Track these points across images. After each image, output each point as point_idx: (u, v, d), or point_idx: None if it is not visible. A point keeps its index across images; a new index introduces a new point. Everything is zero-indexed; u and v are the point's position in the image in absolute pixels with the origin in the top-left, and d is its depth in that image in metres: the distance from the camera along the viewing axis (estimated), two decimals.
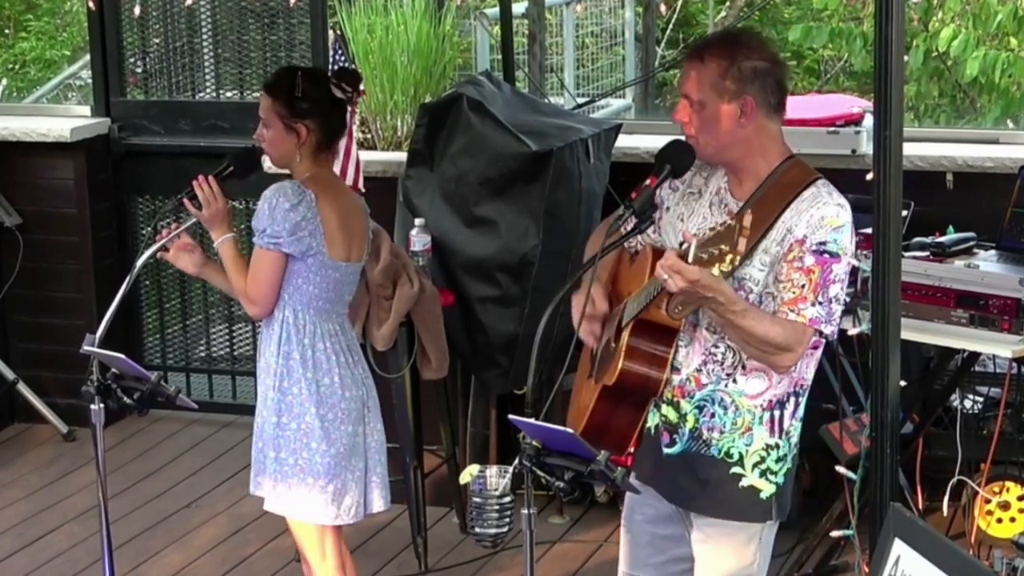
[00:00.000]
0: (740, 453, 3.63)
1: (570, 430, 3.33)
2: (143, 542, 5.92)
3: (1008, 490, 5.41)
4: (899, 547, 2.72)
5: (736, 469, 3.63)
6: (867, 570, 4.34)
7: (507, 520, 3.91)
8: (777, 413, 3.63)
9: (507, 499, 3.86)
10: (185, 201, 4.40)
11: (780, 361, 3.51)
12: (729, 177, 3.67)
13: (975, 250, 5.06)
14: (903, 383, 3.80)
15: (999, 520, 5.42)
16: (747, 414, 3.61)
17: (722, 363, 3.61)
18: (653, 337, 3.60)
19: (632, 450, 3.76)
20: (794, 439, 3.68)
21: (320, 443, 4.37)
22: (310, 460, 4.37)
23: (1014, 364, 5.14)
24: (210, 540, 5.96)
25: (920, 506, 5.28)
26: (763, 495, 3.64)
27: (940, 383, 5.40)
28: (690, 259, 3.26)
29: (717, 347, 3.61)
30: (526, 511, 3.44)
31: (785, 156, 3.63)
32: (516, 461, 3.40)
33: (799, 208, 3.53)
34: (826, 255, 3.49)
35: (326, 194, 4.35)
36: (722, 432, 3.63)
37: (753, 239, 3.48)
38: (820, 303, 3.49)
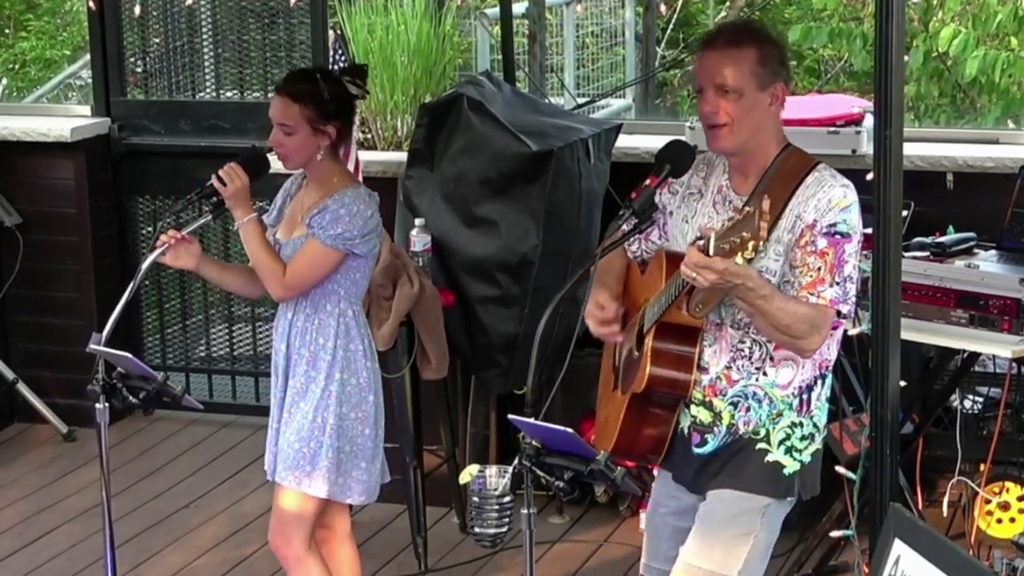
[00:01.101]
0: (767, 430, 3.67)
1: (569, 430, 3.32)
2: (143, 542, 5.92)
3: (1008, 490, 5.41)
4: (899, 547, 2.72)
5: (762, 445, 3.67)
6: (867, 570, 4.34)
7: (507, 520, 3.92)
8: (806, 396, 3.68)
9: (507, 499, 3.87)
10: (214, 180, 4.40)
11: (807, 344, 3.55)
12: (732, 172, 3.69)
13: (975, 250, 5.06)
14: (903, 383, 3.80)
15: (999, 520, 5.42)
16: (781, 404, 3.66)
17: (750, 357, 3.64)
18: (676, 339, 3.62)
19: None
20: (819, 419, 3.71)
21: (373, 428, 4.52)
22: (363, 445, 4.51)
23: (1014, 364, 5.14)
24: (210, 540, 5.95)
25: (920, 506, 5.28)
26: (786, 471, 3.68)
27: (940, 383, 5.40)
28: (711, 252, 3.29)
29: (744, 342, 3.63)
30: (526, 511, 3.44)
31: (783, 144, 3.67)
32: (516, 461, 3.40)
33: (805, 194, 3.56)
34: (837, 236, 3.53)
35: None
36: (757, 423, 3.67)
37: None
38: (837, 283, 3.53)
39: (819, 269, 3.52)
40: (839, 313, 3.57)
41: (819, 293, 3.52)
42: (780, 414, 3.66)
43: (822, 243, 3.52)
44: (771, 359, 3.63)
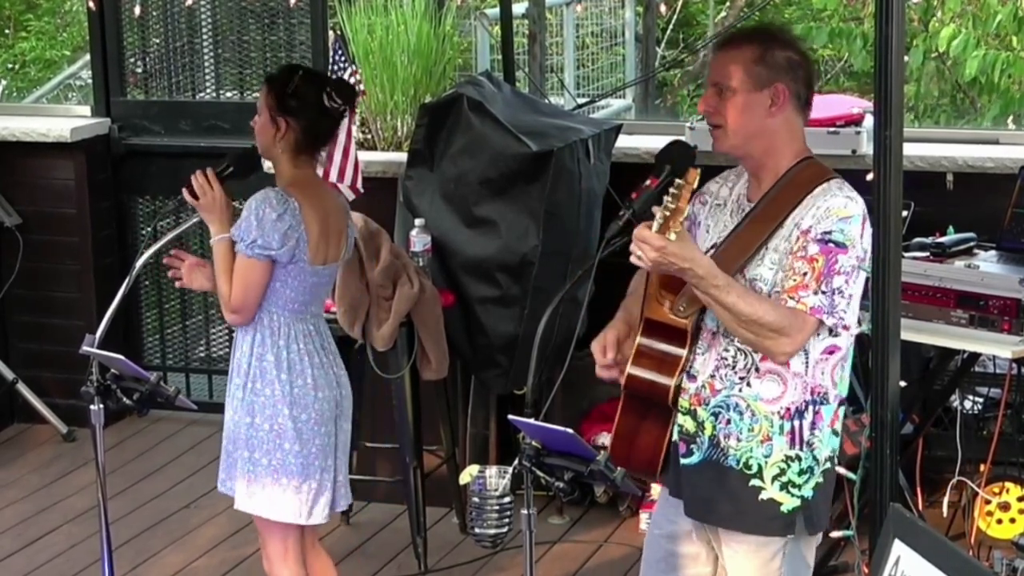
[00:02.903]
0: (759, 464, 3.56)
1: (569, 430, 3.32)
2: (143, 542, 5.92)
3: (1008, 491, 5.41)
4: (899, 548, 2.72)
5: (755, 482, 3.56)
6: (867, 570, 4.34)
7: (507, 520, 3.92)
8: (797, 423, 3.55)
9: (507, 499, 3.87)
10: (184, 191, 4.38)
11: (775, 346, 3.44)
12: (750, 179, 3.65)
13: (975, 250, 5.06)
14: (903, 383, 3.79)
15: (999, 521, 5.42)
16: (764, 421, 3.54)
17: (734, 367, 3.55)
18: (663, 339, 3.57)
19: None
20: (820, 452, 3.59)
21: (293, 444, 4.36)
22: (283, 460, 4.37)
23: (1014, 365, 5.14)
24: (210, 540, 5.95)
25: (920, 506, 5.28)
26: (784, 508, 3.57)
27: (940, 383, 5.40)
28: (654, 228, 3.29)
29: (728, 351, 3.55)
30: (526, 511, 3.43)
31: (802, 156, 3.60)
32: (516, 461, 3.39)
33: (809, 204, 3.51)
34: (831, 244, 3.44)
35: (308, 199, 4.34)
36: (739, 439, 3.56)
37: (758, 235, 3.51)
38: (823, 292, 3.43)
39: (804, 275, 3.44)
40: (831, 331, 3.48)
41: (799, 298, 3.42)
42: (767, 439, 3.54)
43: (813, 249, 3.44)
44: (756, 370, 3.53)
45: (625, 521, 5.92)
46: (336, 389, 4.46)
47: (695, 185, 3.27)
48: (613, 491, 5.87)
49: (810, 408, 3.57)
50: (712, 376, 3.58)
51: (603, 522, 5.93)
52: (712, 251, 3.57)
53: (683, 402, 3.61)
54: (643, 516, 5.80)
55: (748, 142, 3.57)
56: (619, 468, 3.34)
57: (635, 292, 3.75)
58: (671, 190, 3.27)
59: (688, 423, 3.62)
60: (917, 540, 2.69)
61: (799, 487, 3.58)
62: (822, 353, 3.54)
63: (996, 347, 4.78)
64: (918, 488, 5.30)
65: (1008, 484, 5.41)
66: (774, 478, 3.56)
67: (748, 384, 3.55)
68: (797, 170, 3.58)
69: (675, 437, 3.65)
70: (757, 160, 3.60)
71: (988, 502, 5.38)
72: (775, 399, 3.55)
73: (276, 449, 4.36)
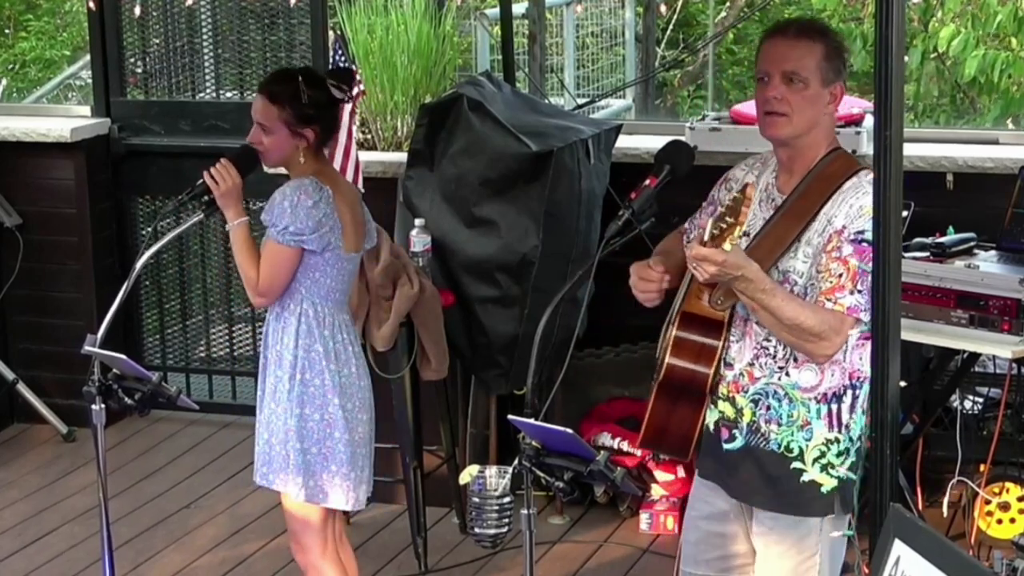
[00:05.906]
0: (800, 448, 3.64)
1: (569, 430, 3.33)
2: (143, 542, 5.92)
3: (1008, 491, 5.41)
4: (899, 548, 2.72)
5: (797, 464, 3.64)
6: (867, 570, 4.34)
7: (507, 520, 3.91)
8: (834, 407, 3.63)
9: (507, 499, 3.86)
10: (205, 174, 4.38)
11: (816, 349, 3.52)
12: (780, 169, 3.70)
13: (975, 250, 5.07)
14: (903, 383, 3.79)
15: (999, 521, 5.42)
16: (802, 407, 3.62)
17: (774, 356, 3.62)
18: (699, 330, 3.64)
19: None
20: (856, 432, 3.66)
21: (343, 433, 4.43)
22: (333, 449, 4.43)
23: (1014, 365, 5.14)
24: (210, 540, 5.95)
25: (920, 506, 5.28)
26: (824, 489, 3.65)
27: (940, 383, 5.40)
28: (706, 237, 3.35)
29: (769, 340, 3.62)
30: (526, 511, 3.44)
31: (832, 147, 3.67)
32: (516, 461, 3.40)
33: (839, 199, 3.57)
34: (864, 243, 3.50)
35: (337, 189, 4.43)
36: (779, 424, 3.64)
37: (792, 229, 3.57)
38: (859, 291, 3.50)
39: (840, 276, 3.51)
40: (860, 322, 3.51)
41: (836, 299, 3.50)
42: (807, 423, 3.62)
43: (847, 249, 3.51)
44: (795, 359, 3.61)
45: (625, 521, 5.92)
46: (368, 378, 4.55)
47: (753, 200, 3.31)
48: (613, 491, 5.87)
49: (848, 392, 3.64)
50: (751, 364, 3.65)
51: (603, 522, 5.93)
52: (744, 241, 3.61)
53: (721, 389, 3.69)
54: (643, 516, 5.80)
55: (805, 135, 3.62)
56: (619, 468, 3.35)
57: (668, 251, 3.80)
58: (728, 203, 3.35)
59: (728, 410, 3.69)
60: (917, 540, 2.69)
61: (836, 468, 3.66)
62: (859, 339, 3.59)
63: (996, 347, 4.78)
64: (918, 488, 5.31)
65: (1008, 484, 5.41)
66: (815, 460, 3.64)
67: (787, 373, 3.62)
68: (827, 161, 3.64)
69: (713, 422, 3.72)
70: (799, 151, 3.65)
71: (988, 502, 5.38)
72: (813, 387, 3.62)
73: (327, 438, 4.42)
